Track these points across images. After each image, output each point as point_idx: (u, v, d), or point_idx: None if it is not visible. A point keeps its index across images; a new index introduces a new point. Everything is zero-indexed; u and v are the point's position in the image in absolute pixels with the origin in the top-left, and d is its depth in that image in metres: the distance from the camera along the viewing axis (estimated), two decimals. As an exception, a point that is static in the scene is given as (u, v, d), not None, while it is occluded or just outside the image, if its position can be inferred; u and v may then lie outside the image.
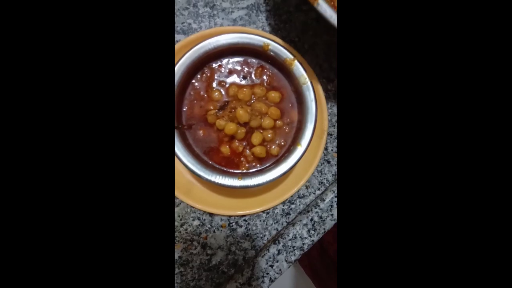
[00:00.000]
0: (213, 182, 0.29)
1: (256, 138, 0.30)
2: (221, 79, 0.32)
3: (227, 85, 0.32)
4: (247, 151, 0.31)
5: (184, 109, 0.31)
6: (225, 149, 0.31)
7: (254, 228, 0.35)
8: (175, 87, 0.29)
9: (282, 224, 0.35)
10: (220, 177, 0.29)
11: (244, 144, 0.31)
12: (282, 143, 0.32)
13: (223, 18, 0.37)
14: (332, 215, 0.35)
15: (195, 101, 0.31)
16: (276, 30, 0.37)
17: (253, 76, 0.32)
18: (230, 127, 0.30)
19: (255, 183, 0.29)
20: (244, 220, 0.35)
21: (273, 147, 0.31)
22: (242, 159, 0.31)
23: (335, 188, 0.35)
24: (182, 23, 0.36)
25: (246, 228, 0.35)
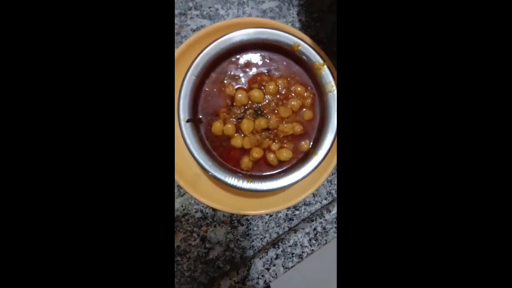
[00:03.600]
0: (224, 182, 0.28)
1: (270, 150, 0.30)
2: (239, 75, 0.30)
3: (246, 84, 0.30)
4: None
5: (200, 102, 0.30)
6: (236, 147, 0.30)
7: (255, 228, 0.35)
8: (196, 77, 0.28)
9: (283, 228, 0.35)
10: (231, 177, 0.28)
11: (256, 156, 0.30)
12: (297, 150, 0.30)
13: (252, 8, 0.35)
14: (336, 227, 0.34)
15: (211, 95, 0.30)
16: (306, 27, 0.35)
17: (276, 73, 0.30)
18: (238, 141, 0.29)
19: (264, 188, 0.28)
20: (246, 219, 0.35)
21: (286, 153, 0.30)
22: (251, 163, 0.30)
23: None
24: (209, 8, 0.34)
25: (247, 227, 0.35)
